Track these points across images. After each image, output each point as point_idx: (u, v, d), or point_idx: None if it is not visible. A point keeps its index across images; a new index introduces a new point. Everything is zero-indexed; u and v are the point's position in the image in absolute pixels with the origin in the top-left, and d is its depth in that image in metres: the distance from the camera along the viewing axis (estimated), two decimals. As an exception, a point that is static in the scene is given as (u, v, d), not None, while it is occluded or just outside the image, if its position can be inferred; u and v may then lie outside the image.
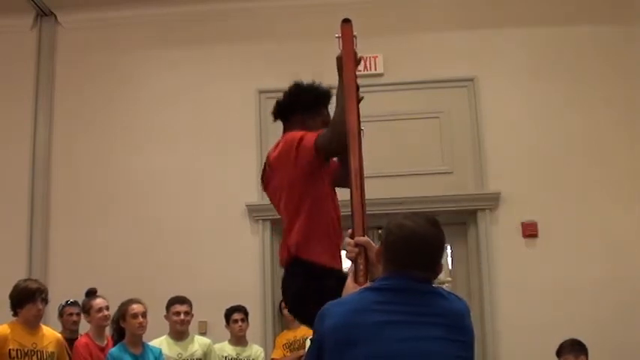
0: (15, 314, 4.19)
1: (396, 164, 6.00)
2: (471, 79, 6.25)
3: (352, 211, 2.40)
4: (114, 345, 4.59)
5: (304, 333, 5.50)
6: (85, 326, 5.04)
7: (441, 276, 6.24)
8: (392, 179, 5.91)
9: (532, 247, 5.97)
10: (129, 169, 6.36)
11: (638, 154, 6.05)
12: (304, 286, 2.72)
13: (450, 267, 6.36)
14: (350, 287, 2.23)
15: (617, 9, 6.29)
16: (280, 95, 3.15)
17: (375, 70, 6.27)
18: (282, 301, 5.95)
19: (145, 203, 6.27)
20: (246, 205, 6.14)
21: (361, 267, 2.26)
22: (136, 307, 4.52)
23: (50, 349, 4.19)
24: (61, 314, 5.29)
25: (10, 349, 4.02)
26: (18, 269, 5.80)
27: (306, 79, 3.12)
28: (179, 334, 5.02)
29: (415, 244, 2.00)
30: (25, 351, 4.07)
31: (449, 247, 6.21)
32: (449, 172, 6.13)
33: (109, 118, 6.50)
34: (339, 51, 2.68)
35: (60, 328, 5.09)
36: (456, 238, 6.11)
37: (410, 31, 6.38)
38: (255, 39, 6.45)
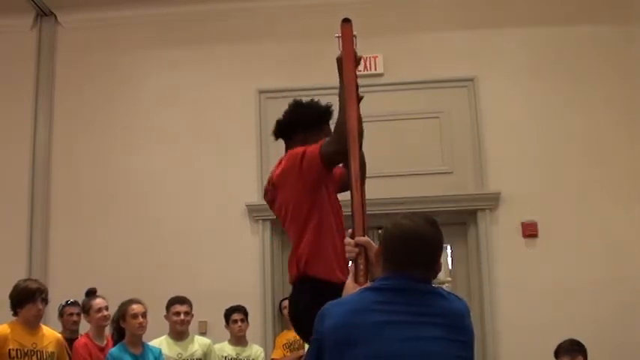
0: (15, 314, 4.19)
1: (396, 164, 6.00)
2: (471, 79, 6.25)
3: (352, 211, 2.40)
4: (114, 345, 4.59)
5: (304, 333, 5.50)
6: (85, 326, 5.04)
7: (441, 276, 6.25)
8: (392, 179, 5.91)
9: (532, 247, 5.97)
10: (129, 169, 6.36)
11: (638, 154, 6.05)
12: (311, 303, 2.69)
13: (450, 267, 6.36)
14: (350, 287, 2.23)
15: (617, 9, 6.29)
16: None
17: (375, 70, 6.27)
18: (282, 300, 5.96)
19: (145, 203, 6.27)
20: (246, 205, 6.14)
21: (361, 267, 2.26)
22: (136, 308, 4.52)
23: (50, 349, 4.18)
24: (61, 314, 5.29)
25: (10, 349, 4.01)
26: (18, 269, 5.80)
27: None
28: (179, 334, 5.02)
29: (413, 243, 2.00)
30: (25, 351, 4.06)
31: (449, 247, 6.22)
32: (449, 172, 6.13)
33: (109, 118, 6.50)
34: (339, 51, 2.67)
35: (60, 328, 5.09)
36: (456, 238, 6.11)
37: (410, 31, 6.38)
38: (255, 39, 6.45)
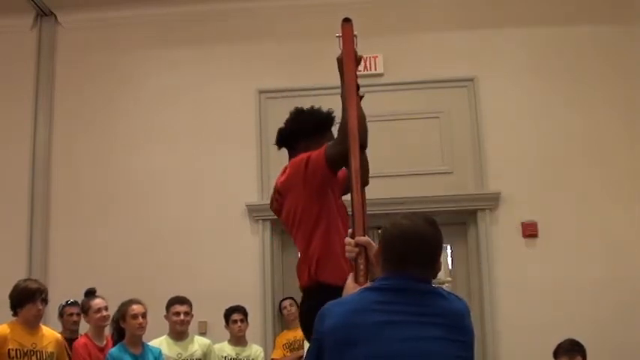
0: (15, 314, 4.18)
1: (396, 164, 5.99)
2: (471, 79, 6.25)
3: (353, 211, 2.40)
4: (114, 345, 4.58)
5: (304, 333, 5.49)
6: (85, 326, 5.03)
7: (441, 276, 6.25)
8: (392, 179, 5.90)
9: (532, 247, 5.97)
10: (129, 169, 6.36)
11: (638, 154, 6.05)
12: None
13: (450, 267, 6.36)
14: (350, 287, 2.23)
15: (617, 9, 6.29)
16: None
17: (375, 70, 6.27)
18: (282, 300, 5.97)
19: (145, 203, 6.27)
20: (246, 205, 6.14)
21: (361, 267, 2.26)
22: (136, 308, 4.51)
23: (50, 349, 4.18)
24: (61, 314, 5.29)
25: (9, 349, 4.01)
26: (18, 269, 5.80)
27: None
28: (179, 334, 5.01)
29: (412, 243, 2.00)
30: (25, 351, 4.06)
31: (449, 247, 6.22)
32: (449, 172, 6.13)
33: (109, 118, 6.50)
34: (340, 50, 2.67)
35: (60, 328, 5.09)
36: (456, 238, 6.11)
37: (410, 31, 6.38)
38: (255, 39, 6.45)
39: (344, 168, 2.85)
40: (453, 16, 6.39)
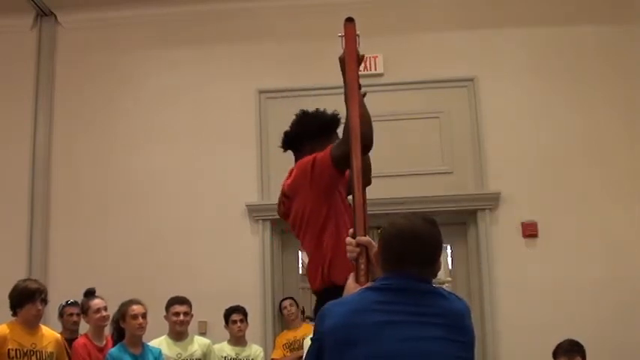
0: (14, 314, 4.18)
1: (396, 164, 5.99)
2: (471, 79, 6.25)
3: (354, 209, 2.40)
4: (113, 345, 4.58)
5: (304, 333, 5.50)
6: (85, 326, 5.03)
7: (441, 276, 6.25)
8: (392, 179, 5.90)
9: (532, 247, 5.97)
10: (129, 169, 6.36)
11: (638, 154, 6.05)
12: None
13: (450, 267, 6.36)
14: (351, 287, 2.22)
15: (618, 9, 6.29)
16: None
17: (375, 70, 6.27)
18: (282, 300, 5.97)
19: (145, 203, 6.27)
20: (246, 205, 6.14)
21: (362, 267, 2.25)
22: (135, 308, 4.51)
23: (49, 349, 4.17)
24: (61, 314, 5.28)
25: (9, 349, 4.00)
26: (18, 269, 5.79)
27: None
28: (178, 334, 5.01)
29: (411, 243, 2.00)
30: (25, 351, 4.05)
31: (449, 247, 6.22)
32: (449, 172, 6.13)
33: (109, 118, 6.50)
34: (342, 50, 2.66)
35: (60, 329, 5.08)
36: (456, 238, 6.12)
37: (410, 31, 6.38)
38: (255, 39, 6.45)
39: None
40: (453, 16, 6.40)
